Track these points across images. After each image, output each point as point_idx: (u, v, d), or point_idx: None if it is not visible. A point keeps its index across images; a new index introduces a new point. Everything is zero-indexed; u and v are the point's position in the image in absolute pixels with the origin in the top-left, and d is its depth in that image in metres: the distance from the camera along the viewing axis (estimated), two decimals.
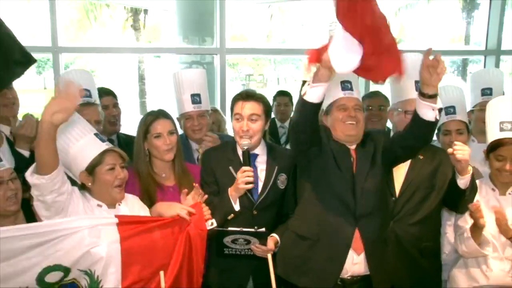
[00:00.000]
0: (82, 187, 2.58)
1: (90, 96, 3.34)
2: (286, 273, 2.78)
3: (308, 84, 2.38)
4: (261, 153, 2.91)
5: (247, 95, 2.87)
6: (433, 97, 2.41)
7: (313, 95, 2.39)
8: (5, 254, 2.24)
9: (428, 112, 2.44)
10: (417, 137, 2.61)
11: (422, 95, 2.41)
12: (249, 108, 2.82)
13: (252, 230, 2.63)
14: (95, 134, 2.60)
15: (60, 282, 2.38)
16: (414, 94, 2.93)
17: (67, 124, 2.45)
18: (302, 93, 2.43)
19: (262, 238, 2.64)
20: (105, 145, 2.58)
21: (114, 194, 2.57)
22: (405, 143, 2.66)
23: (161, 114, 2.93)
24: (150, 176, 2.87)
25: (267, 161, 2.90)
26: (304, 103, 2.44)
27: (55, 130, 2.28)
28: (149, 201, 2.79)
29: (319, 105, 2.46)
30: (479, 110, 3.56)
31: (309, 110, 2.47)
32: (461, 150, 2.62)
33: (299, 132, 2.64)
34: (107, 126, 3.64)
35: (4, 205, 2.58)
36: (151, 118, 2.91)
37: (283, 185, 2.90)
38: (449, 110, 3.20)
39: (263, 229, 2.63)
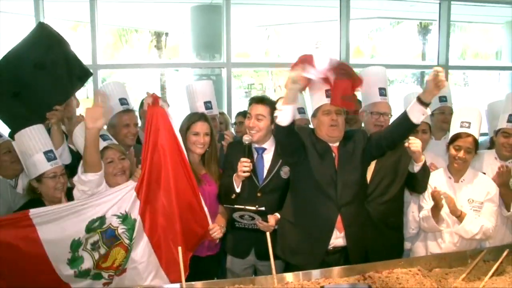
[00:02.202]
0: None
1: (127, 103, 3.25)
2: (283, 254, 2.79)
3: (279, 109, 2.40)
4: (269, 147, 2.90)
5: (258, 99, 2.89)
6: (428, 105, 2.43)
7: (283, 118, 2.40)
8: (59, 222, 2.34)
9: (418, 116, 2.46)
10: (402, 134, 2.63)
11: (421, 102, 2.43)
12: (257, 109, 2.82)
13: (253, 208, 2.62)
14: (101, 135, 2.59)
15: (100, 228, 2.43)
16: (378, 98, 3.07)
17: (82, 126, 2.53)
18: (274, 118, 2.45)
19: (262, 216, 2.63)
20: (105, 143, 2.62)
21: (116, 180, 2.58)
22: (392, 140, 2.66)
23: (203, 117, 2.92)
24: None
25: (273, 154, 2.89)
26: (278, 127, 2.47)
27: (98, 133, 2.36)
28: None
29: (291, 126, 2.46)
30: (439, 113, 3.58)
31: (284, 132, 2.49)
32: (414, 143, 2.66)
33: (283, 146, 2.69)
34: None
35: (53, 194, 2.62)
36: (192, 119, 2.90)
37: (286, 175, 2.87)
38: None
39: (263, 208, 2.61)
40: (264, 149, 2.90)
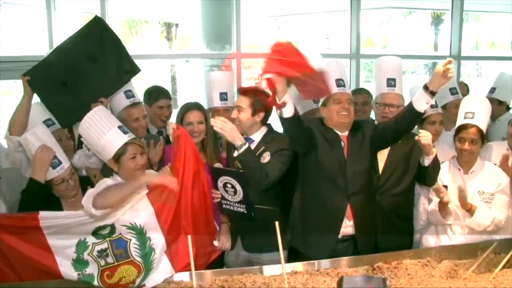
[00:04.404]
0: (112, 171, 2.57)
1: (133, 95, 3.28)
2: (296, 244, 2.82)
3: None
4: (256, 139, 2.83)
5: (240, 90, 2.87)
6: (433, 93, 2.46)
7: (287, 111, 2.42)
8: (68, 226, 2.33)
9: (422, 104, 2.48)
10: (406, 124, 2.65)
11: (426, 89, 2.45)
12: (239, 100, 2.80)
13: (232, 169, 2.69)
14: (119, 127, 2.55)
15: (109, 236, 2.39)
16: (386, 89, 3.05)
17: (97, 117, 2.51)
18: (278, 113, 2.46)
19: (238, 177, 2.60)
20: (127, 137, 2.52)
21: (137, 176, 2.50)
22: (396, 130, 2.68)
23: (195, 106, 2.94)
24: None
25: (257, 144, 2.83)
26: (283, 120, 2.49)
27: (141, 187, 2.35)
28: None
29: (296, 117, 2.48)
30: (453, 107, 3.50)
31: (291, 124, 2.51)
32: (424, 136, 2.63)
33: (295, 139, 2.67)
34: (158, 122, 3.60)
35: (64, 193, 2.64)
36: (184, 109, 2.92)
37: (264, 160, 2.78)
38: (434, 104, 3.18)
39: (241, 171, 2.60)
40: (252, 141, 2.83)
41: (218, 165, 2.84)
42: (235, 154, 2.65)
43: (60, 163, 2.63)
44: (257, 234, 2.72)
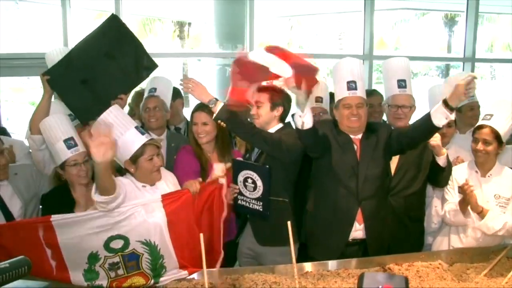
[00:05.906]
0: (126, 171, 2.56)
1: (154, 92, 3.46)
2: (307, 244, 2.81)
3: (300, 116, 2.40)
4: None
5: (258, 89, 2.82)
6: (453, 109, 2.39)
7: (307, 122, 2.41)
8: (79, 230, 2.34)
9: (441, 119, 2.42)
10: (422, 135, 2.60)
11: (446, 105, 2.38)
12: (256, 97, 2.79)
13: (256, 163, 2.68)
14: (136, 127, 2.53)
15: (122, 251, 2.40)
16: (397, 91, 3.01)
17: (113, 117, 2.48)
18: (299, 126, 2.43)
19: (262, 172, 2.59)
20: (145, 138, 2.50)
21: (153, 177, 2.55)
22: (412, 139, 2.64)
23: (200, 108, 2.93)
24: (202, 155, 2.94)
25: None
26: (304, 132, 2.46)
27: (109, 164, 2.18)
28: (204, 175, 2.83)
29: (313, 128, 2.46)
30: (469, 110, 3.49)
31: (310, 134, 2.49)
32: (433, 137, 2.63)
33: (311, 148, 2.64)
34: (170, 120, 3.69)
35: (77, 180, 2.65)
36: (193, 109, 2.97)
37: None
38: None
39: (267, 166, 2.59)
40: None
41: (240, 159, 2.85)
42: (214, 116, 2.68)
43: (76, 145, 2.67)
44: (268, 227, 2.70)
